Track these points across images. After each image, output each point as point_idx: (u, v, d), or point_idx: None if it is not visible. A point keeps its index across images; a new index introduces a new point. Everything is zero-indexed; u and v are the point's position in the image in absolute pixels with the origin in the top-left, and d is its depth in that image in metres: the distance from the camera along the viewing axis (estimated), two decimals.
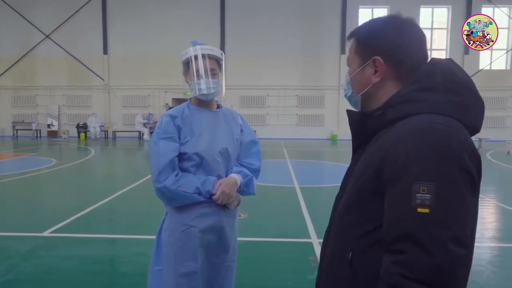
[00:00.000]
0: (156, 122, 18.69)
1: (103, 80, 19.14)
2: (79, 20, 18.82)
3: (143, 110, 18.77)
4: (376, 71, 0.98)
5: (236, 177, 1.84)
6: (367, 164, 0.93)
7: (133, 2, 18.60)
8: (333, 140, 18.02)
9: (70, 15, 18.72)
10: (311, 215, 5.15)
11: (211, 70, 1.80)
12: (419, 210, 0.77)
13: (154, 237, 4.33)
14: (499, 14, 17.96)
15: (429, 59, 0.99)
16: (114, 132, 18.53)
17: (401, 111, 0.91)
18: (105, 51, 18.95)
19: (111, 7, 18.77)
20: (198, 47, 1.81)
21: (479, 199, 0.88)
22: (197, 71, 1.78)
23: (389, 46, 0.96)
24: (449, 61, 0.98)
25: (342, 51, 18.12)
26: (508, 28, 18.10)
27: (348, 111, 1.07)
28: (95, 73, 19.13)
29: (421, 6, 17.94)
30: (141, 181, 7.52)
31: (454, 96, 0.90)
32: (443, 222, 0.76)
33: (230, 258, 1.93)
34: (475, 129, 0.93)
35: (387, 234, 0.83)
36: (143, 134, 18.09)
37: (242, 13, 18.27)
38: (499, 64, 18.26)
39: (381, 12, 18.12)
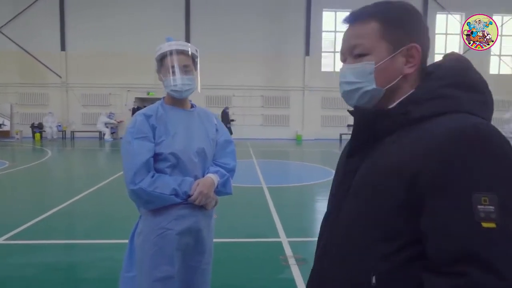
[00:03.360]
0: (118, 122, 18.11)
1: (61, 77, 18.24)
2: (35, 14, 17.80)
3: (104, 109, 18.08)
4: (408, 61, 0.85)
5: (213, 177, 1.80)
6: (385, 173, 0.78)
7: None
8: (298, 140, 18.29)
9: (25, 7, 17.67)
10: (279, 214, 5.18)
11: (186, 66, 1.76)
12: (484, 225, 0.66)
13: (118, 241, 4.20)
14: (452, 21, 19.05)
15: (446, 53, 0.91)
16: (72, 132, 17.71)
17: (429, 110, 0.79)
18: (63, 47, 18.07)
19: (69, 2, 17.93)
20: (173, 42, 1.76)
21: None
22: (172, 67, 1.73)
23: (422, 31, 0.86)
24: (460, 55, 0.89)
25: (307, 53, 18.43)
26: (460, 35, 19.20)
27: (359, 108, 0.89)
28: (52, 70, 18.18)
29: None
30: (102, 183, 7.23)
31: (480, 94, 0.83)
32: None
33: (207, 260, 1.89)
34: None
35: (439, 254, 0.70)
36: (104, 134, 17.43)
37: (207, 11, 18.11)
38: None
39: (344, 15, 18.56)
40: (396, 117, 0.82)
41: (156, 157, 1.70)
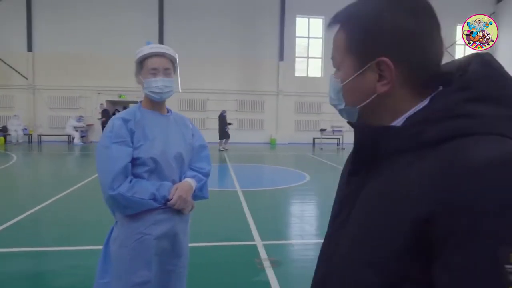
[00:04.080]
0: (88, 125, 17.60)
1: (27, 79, 17.53)
2: (0, 13, 17.08)
3: (73, 113, 17.53)
4: (382, 76, 0.68)
5: (191, 182, 1.82)
6: (395, 205, 0.62)
7: None
8: (272, 144, 18.43)
9: None
10: (254, 218, 5.22)
11: (166, 69, 1.77)
12: None
13: (88, 247, 4.11)
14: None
15: (471, 54, 0.69)
16: (39, 135, 17.04)
17: (447, 130, 0.61)
18: (30, 48, 17.40)
19: (37, 1, 17.32)
20: (153, 45, 1.78)
21: None
22: (153, 69, 1.74)
23: (400, 38, 0.66)
24: (494, 58, 0.68)
25: (281, 58, 18.65)
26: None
27: (358, 124, 0.74)
28: (17, 71, 17.46)
29: None
30: (71, 189, 7.02)
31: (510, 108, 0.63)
32: None
33: (183, 264, 1.89)
34: None
35: None
36: (73, 138, 16.88)
37: (181, 16, 17.98)
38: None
39: (317, 22, 19.03)
40: (405, 136, 0.65)
41: (134, 161, 1.69)
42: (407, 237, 0.59)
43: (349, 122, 0.78)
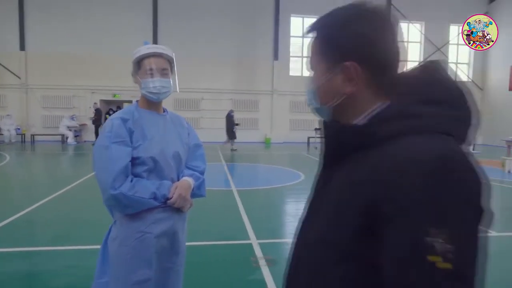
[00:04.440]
0: (81, 124, 17.50)
1: (20, 78, 17.39)
2: None
3: (67, 112, 17.42)
4: (348, 79, 0.77)
5: (189, 180, 1.84)
6: (348, 192, 0.74)
7: None
8: (267, 143, 18.47)
9: None
10: (249, 217, 5.24)
11: (163, 69, 1.78)
12: (439, 265, 0.59)
13: (83, 247, 4.11)
14: (413, 29, 19.99)
15: (399, 59, 0.80)
16: (32, 135, 16.91)
17: (396, 129, 0.72)
18: (22, 47, 17.26)
19: (29, 0, 17.19)
20: (151, 46, 1.78)
21: None
22: (150, 70, 1.75)
23: (363, 45, 0.76)
24: (442, 65, 0.80)
25: (275, 57, 18.69)
26: (420, 43, 20.19)
27: (326, 122, 0.85)
28: (10, 71, 17.32)
29: None
30: (65, 188, 6.99)
31: (454, 109, 0.74)
32: (466, 279, 0.61)
33: (180, 261, 1.91)
34: (467, 144, 0.77)
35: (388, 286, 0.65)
36: (67, 138, 16.77)
37: (175, 15, 17.94)
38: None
39: (311, 21, 19.03)
40: (362, 134, 0.76)
41: (133, 161, 1.70)
42: (358, 220, 0.69)
43: (320, 121, 0.89)
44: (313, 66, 0.85)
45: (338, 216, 0.75)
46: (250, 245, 4.15)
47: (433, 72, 0.79)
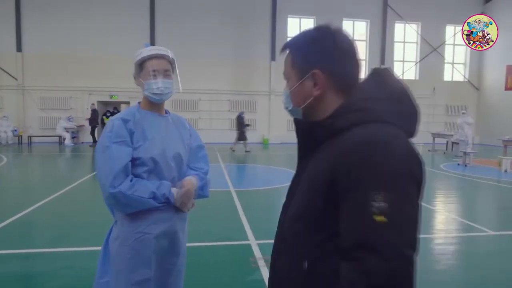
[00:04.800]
0: (79, 126, 17.45)
1: (16, 79, 17.33)
2: None
3: (64, 113, 17.37)
4: (315, 84, 0.98)
5: (193, 180, 1.86)
6: (317, 174, 0.92)
7: None
8: (264, 144, 18.48)
9: None
10: (248, 217, 5.25)
11: (166, 71, 1.80)
12: (376, 218, 0.79)
13: (80, 248, 4.11)
14: (409, 30, 20.07)
15: (361, 68, 1.02)
16: (29, 137, 16.85)
17: (348, 121, 0.92)
18: (19, 48, 17.20)
19: (26, 1, 17.11)
20: (153, 47, 1.80)
21: None
22: (153, 71, 1.77)
23: (326, 57, 0.97)
24: (388, 70, 1.02)
25: (273, 58, 18.71)
26: (417, 43, 20.27)
27: (296, 120, 1.07)
28: (7, 72, 17.25)
29: (344, 18, 19.30)
30: (63, 190, 6.97)
31: (396, 105, 0.95)
32: (399, 229, 0.79)
33: (181, 262, 1.92)
34: (411, 135, 0.98)
35: (344, 243, 0.84)
36: (64, 139, 16.72)
37: (173, 15, 17.93)
38: (410, 74, 20.33)
39: (308, 22, 19.13)
40: (323, 127, 0.97)
41: (134, 161, 1.71)
42: (323, 194, 0.89)
43: (294, 120, 1.09)
44: (286, 76, 1.06)
45: (309, 194, 0.94)
46: (249, 245, 4.16)
47: (381, 76, 1.00)
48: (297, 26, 19.19)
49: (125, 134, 1.69)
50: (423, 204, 5.98)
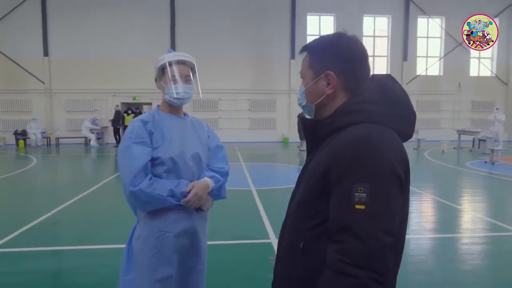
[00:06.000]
0: (103, 127, 17.93)
1: (44, 83, 17.97)
2: (17, 20, 17.50)
3: (89, 115, 17.88)
4: (328, 84, 1.10)
5: (208, 181, 1.89)
6: (317, 166, 1.05)
7: (75, 4, 17.69)
8: (285, 142, 18.43)
9: (6, 13, 17.38)
10: (269, 216, 5.27)
11: (186, 76, 1.87)
12: (357, 206, 0.92)
13: (106, 246, 4.24)
14: (433, 24, 19.55)
15: (371, 72, 1.14)
16: (57, 138, 17.46)
17: (346, 120, 1.05)
18: (46, 53, 17.82)
19: (52, 8, 17.70)
20: (175, 53, 1.87)
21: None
22: (173, 76, 1.83)
23: (340, 61, 1.09)
24: (387, 76, 1.15)
25: (292, 56, 18.63)
26: (441, 38, 19.73)
27: (302, 118, 1.20)
28: (35, 76, 17.91)
29: (364, 15, 19.00)
30: (90, 190, 7.19)
31: (390, 108, 1.08)
32: (375, 216, 0.91)
33: (202, 261, 1.96)
34: (408, 136, 1.12)
35: (331, 227, 0.97)
36: (89, 140, 17.23)
37: (193, 16, 18.13)
38: (434, 70, 19.83)
39: (328, 19, 18.95)
40: (324, 125, 1.10)
41: (153, 161, 1.77)
42: (320, 184, 1.02)
43: (301, 119, 1.22)
44: (303, 75, 1.19)
45: (309, 185, 1.07)
46: (270, 244, 4.18)
47: (383, 81, 1.13)
48: (316, 24, 19.05)
49: (145, 134, 1.76)
50: (448, 203, 5.83)
